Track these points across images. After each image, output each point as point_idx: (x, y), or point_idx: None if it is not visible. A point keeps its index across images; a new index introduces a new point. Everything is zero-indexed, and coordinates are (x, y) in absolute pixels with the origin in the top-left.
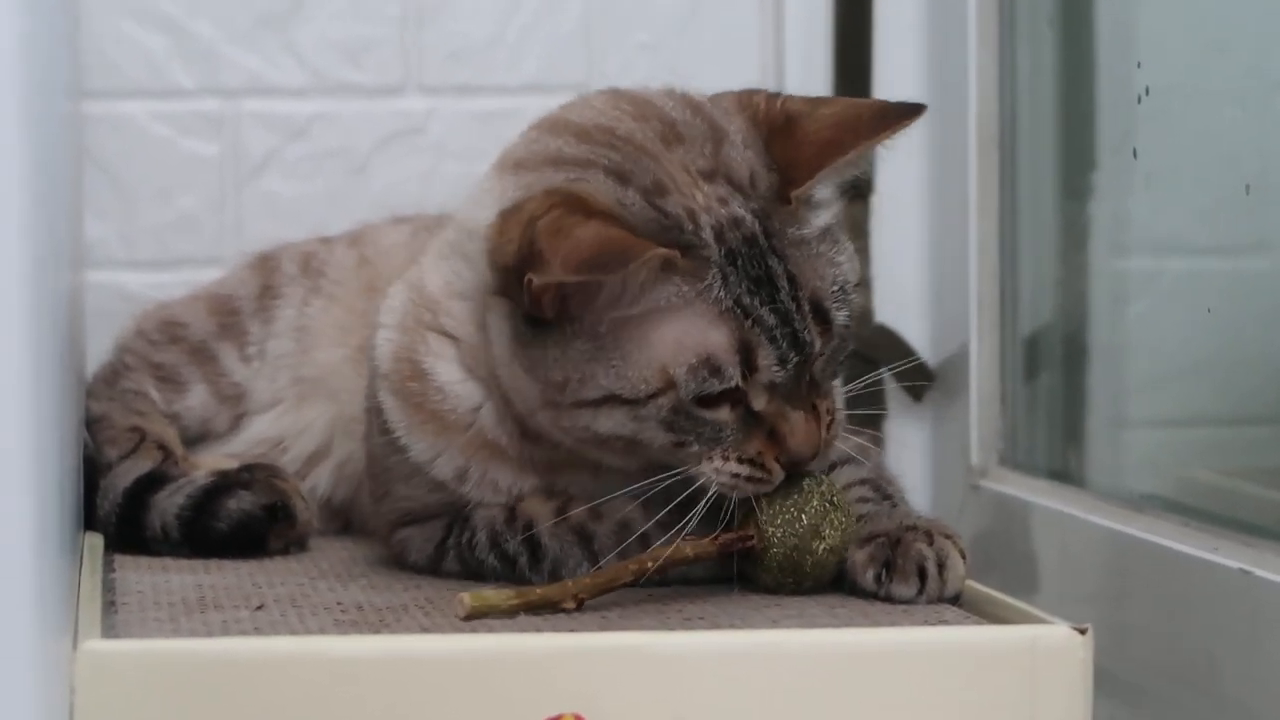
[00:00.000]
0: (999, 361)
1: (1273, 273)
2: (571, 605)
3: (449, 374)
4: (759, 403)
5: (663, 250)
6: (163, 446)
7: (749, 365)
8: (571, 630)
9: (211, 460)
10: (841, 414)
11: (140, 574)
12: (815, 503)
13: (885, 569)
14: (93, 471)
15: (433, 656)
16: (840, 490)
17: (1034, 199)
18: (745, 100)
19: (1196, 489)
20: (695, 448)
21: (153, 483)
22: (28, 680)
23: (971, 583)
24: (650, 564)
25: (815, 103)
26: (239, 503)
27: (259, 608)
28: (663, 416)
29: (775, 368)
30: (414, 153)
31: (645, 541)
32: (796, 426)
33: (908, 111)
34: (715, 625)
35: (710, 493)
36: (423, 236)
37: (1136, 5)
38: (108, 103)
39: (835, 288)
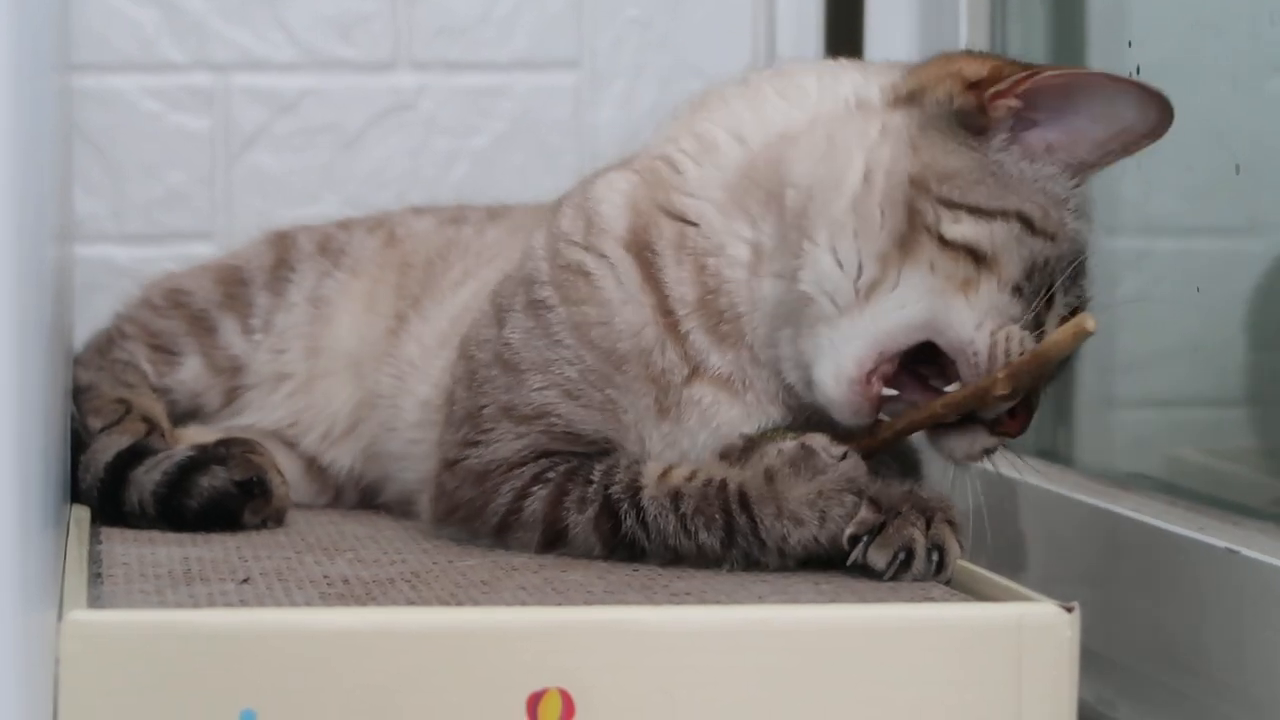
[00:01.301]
0: None
1: (1262, 253)
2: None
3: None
4: (1050, 314)
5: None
6: (147, 419)
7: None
8: (558, 604)
9: (195, 434)
10: None
11: (126, 546)
12: None
13: (870, 534)
14: (78, 442)
15: (419, 630)
16: None
17: None
18: None
19: (1184, 468)
20: (1018, 307)
21: (133, 458)
22: (12, 651)
23: (960, 561)
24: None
25: None
26: (211, 479)
27: (245, 580)
28: (1038, 259)
29: (1077, 299)
30: (404, 128)
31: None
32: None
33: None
34: (701, 601)
35: (976, 350)
36: (449, 229)
37: None
38: (97, 77)
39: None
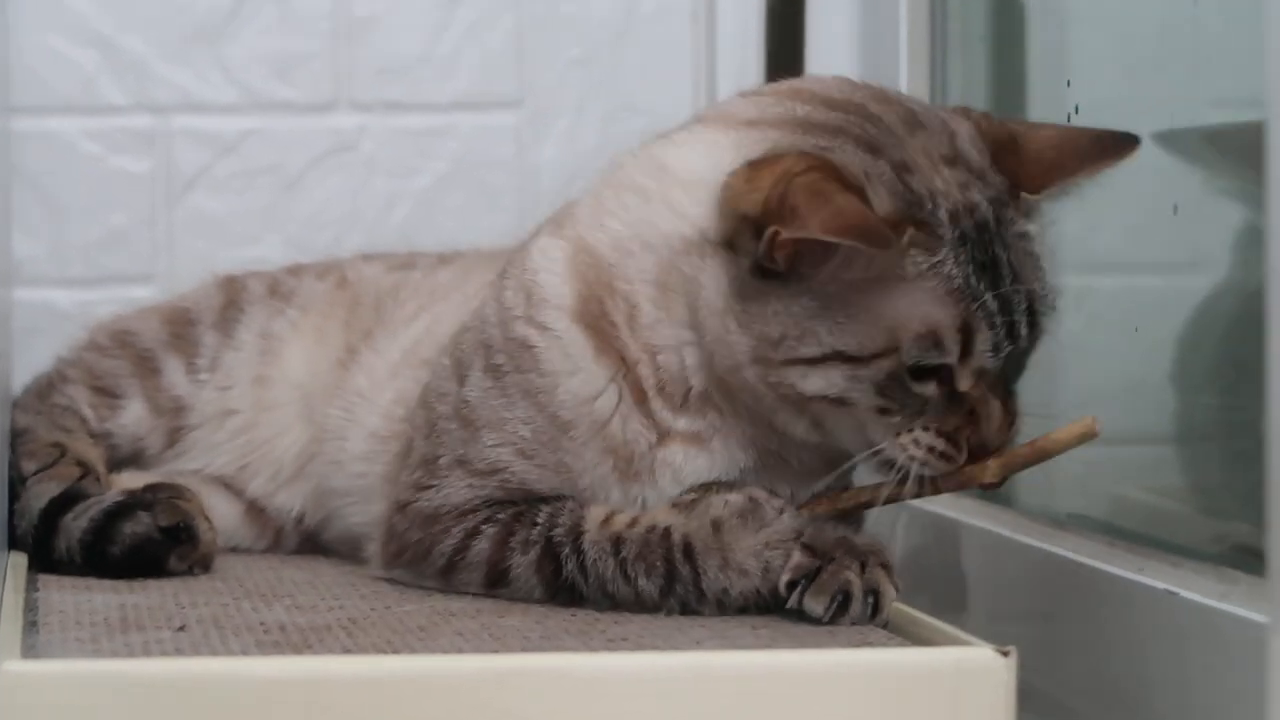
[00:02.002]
0: None
1: (1201, 291)
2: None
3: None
4: (964, 383)
5: (912, 232)
6: (82, 463)
7: (967, 346)
8: (495, 651)
9: (129, 479)
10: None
11: (63, 593)
12: None
13: (806, 580)
14: (14, 487)
15: (355, 678)
16: None
17: None
18: (965, 111)
19: (1124, 508)
20: (897, 417)
21: (65, 504)
22: None
23: (897, 604)
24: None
25: (1031, 125)
26: (135, 525)
27: (181, 628)
28: (879, 379)
29: (989, 353)
30: (345, 169)
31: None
32: (994, 412)
33: (1124, 143)
34: (639, 646)
35: (896, 468)
36: (398, 273)
37: (1067, 23)
38: (37, 119)
39: (1046, 292)
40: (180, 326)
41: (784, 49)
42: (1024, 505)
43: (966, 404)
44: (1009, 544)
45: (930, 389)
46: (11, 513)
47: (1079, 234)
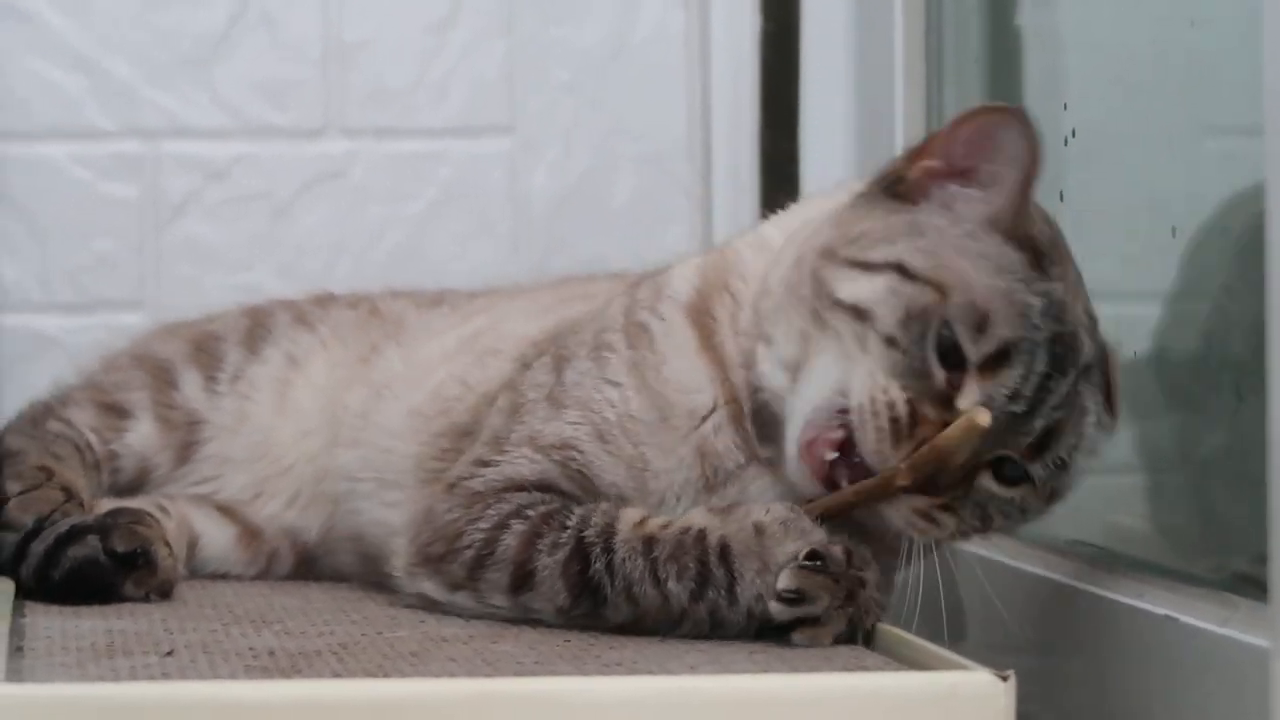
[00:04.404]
0: None
1: (1198, 317)
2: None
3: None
4: (966, 398)
5: (1040, 228)
6: (66, 489)
7: (994, 361)
8: (487, 675)
9: (107, 504)
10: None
11: (50, 619)
12: None
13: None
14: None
15: (344, 702)
16: None
17: None
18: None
19: (1123, 534)
20: (893, 360)
21: (37, 531)
22: None
23: (893, 628)
24: None
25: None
26: (79, 549)
27: (169, 653)
28: (913, 308)
29: (1004, 389)
30: (335, 195)
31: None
32: (961, 446)
33: None
34: (633, 671)
35: (845, 405)
36: (427, 309)
37: (1063, 46)
38: (24, 144)
39: (1072, 443)
40: (205, 341)
41: (778, 74)
42: (1023, 530)
43: (950, 418)
44: (1008, 569)
45: (937, 367)
46: None
47: (1080, 257)
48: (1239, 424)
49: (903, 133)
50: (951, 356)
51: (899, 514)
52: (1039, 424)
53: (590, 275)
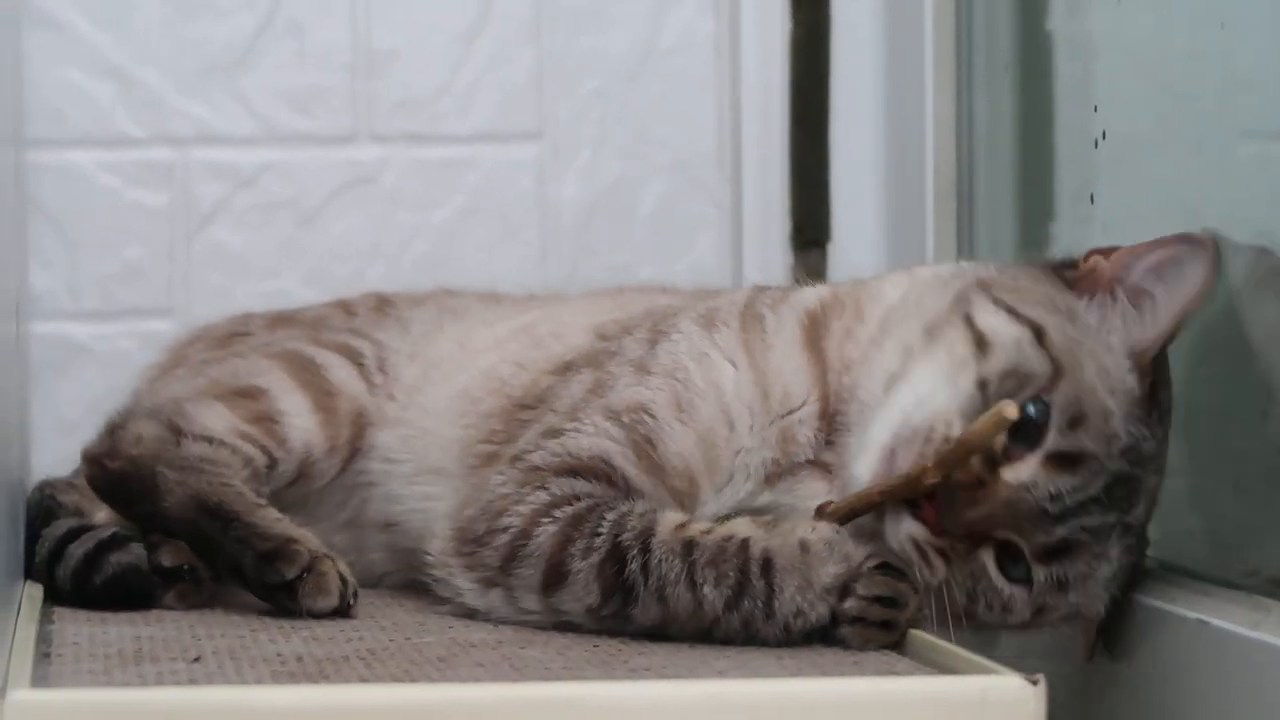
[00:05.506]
0: None
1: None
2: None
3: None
4: (1013, 470)
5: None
6: None
7: (1060, 461)
8: (514, 680)
9: None
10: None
11: (79, 625)
12: None
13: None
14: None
15: (370, 707)
16: None
17: (992, 248)
18: None
19: (1155, 538)
20: (968, 397)
21: (72, 533)
22: None
23: (923, 633)
24: None
25: None
26: (122, 556)
27: (196, 660)
28: (1023, 371)
29: (1052, 486)
30: (365, 202)
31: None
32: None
33: None
34: (662, 676)
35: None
36: (488, 303)
37: (1094, 49)
38: (54, 151)
39: (1082, 571)
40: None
41: (808, 81)
42: None
43: (988, 480)
44: None
45: (1004, 432)
46: (30, 543)
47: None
48: (1271, 428)
49: (933, 142)
50: (1027, 432)
51: (899, 533)
52: (1062, 532)
53: (642, 286)
